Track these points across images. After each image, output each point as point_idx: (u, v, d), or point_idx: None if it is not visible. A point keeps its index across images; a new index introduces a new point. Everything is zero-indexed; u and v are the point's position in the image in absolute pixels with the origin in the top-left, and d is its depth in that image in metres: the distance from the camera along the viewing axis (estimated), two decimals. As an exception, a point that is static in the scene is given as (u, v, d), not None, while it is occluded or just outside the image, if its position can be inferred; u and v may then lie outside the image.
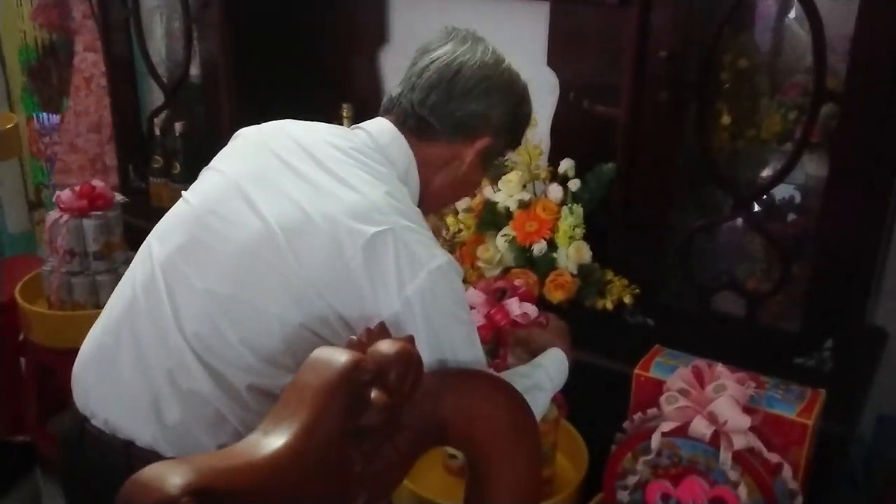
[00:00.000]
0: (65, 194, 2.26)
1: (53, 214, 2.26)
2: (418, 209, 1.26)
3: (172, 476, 0.77)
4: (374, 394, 0.94)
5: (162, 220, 1.30)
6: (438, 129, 1.30)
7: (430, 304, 1.14)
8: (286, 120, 1.34)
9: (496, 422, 1.13)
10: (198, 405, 1.16)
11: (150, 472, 0.79)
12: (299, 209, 1.17)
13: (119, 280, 1.31)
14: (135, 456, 1.17)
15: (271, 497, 0.86)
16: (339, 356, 0.94)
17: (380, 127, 1.32)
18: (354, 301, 1.14)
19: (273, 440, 0.88)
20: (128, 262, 1.32)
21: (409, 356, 0.97)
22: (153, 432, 1.18)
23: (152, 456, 1.14)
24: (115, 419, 1.21)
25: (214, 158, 1.34)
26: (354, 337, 1.00)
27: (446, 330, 1.17)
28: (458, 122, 1.30)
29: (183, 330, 1.17)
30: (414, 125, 1.31)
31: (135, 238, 1.34)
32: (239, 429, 1.16)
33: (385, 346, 0.96)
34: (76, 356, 1.30)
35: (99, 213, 2.25)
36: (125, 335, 1.23)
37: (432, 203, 1.38)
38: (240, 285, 1.17)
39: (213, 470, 0.81)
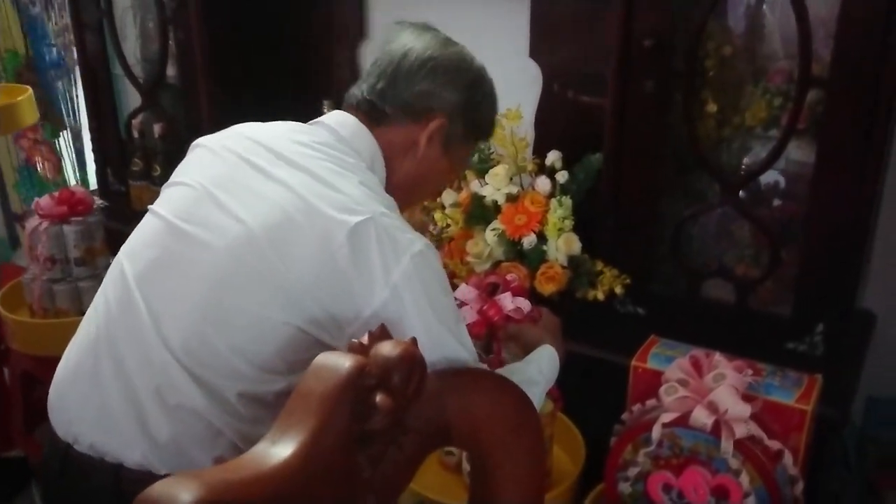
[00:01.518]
0: (44, 200, 2.22)
1: (33, 222, 2.21)
2: (390, 196, 1.25)
3: (183, 492, 0.75)
4: (378, 398, 0.93)
5: (130, 237, 1.28)
6: (388, 112, 1.31)
7: (417, 289, 1.13)
8: (242, 124, 1.33)
9: (500, 419, 1.12)
10: (188, 419, 1.14)
11: (159, 489, 0.77)
12: (279, 209, 1.15)
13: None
14: (125, 477, 1.14)
15: (282, 507, 0.85)
16: (343, 362, 0.92)
17: (339, 119, 1.32)
18: (343, 294, 1.13)
19: (281, 449, 0.87)
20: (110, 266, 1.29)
21: (412, 358, 0.95)
22: (143, 451, 1.15)
23: (144, 475, 1.11)
24: (101, 443, 1.17)
25: (175, 172, 1.31)
26: (355, 340, 0.98)
27: (437, 312, 1.15)
28: (405, 103, 1.31)
29: (168, 344, 1.15)
30: (366, 110, 1.32)
31: (116, 242, 1.31)
32: (233, 439, 1.14)
33: (387, 349, 0.95)
34: None
35: (79, 218, 2.21)
36: (104, 355, 1.20)
37: (405, 195, 1.35)
38: (224, 291, 1.15)
39: (223, 483, 0.79)
